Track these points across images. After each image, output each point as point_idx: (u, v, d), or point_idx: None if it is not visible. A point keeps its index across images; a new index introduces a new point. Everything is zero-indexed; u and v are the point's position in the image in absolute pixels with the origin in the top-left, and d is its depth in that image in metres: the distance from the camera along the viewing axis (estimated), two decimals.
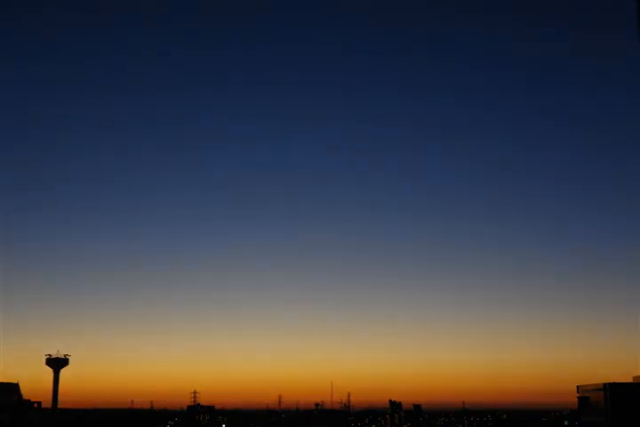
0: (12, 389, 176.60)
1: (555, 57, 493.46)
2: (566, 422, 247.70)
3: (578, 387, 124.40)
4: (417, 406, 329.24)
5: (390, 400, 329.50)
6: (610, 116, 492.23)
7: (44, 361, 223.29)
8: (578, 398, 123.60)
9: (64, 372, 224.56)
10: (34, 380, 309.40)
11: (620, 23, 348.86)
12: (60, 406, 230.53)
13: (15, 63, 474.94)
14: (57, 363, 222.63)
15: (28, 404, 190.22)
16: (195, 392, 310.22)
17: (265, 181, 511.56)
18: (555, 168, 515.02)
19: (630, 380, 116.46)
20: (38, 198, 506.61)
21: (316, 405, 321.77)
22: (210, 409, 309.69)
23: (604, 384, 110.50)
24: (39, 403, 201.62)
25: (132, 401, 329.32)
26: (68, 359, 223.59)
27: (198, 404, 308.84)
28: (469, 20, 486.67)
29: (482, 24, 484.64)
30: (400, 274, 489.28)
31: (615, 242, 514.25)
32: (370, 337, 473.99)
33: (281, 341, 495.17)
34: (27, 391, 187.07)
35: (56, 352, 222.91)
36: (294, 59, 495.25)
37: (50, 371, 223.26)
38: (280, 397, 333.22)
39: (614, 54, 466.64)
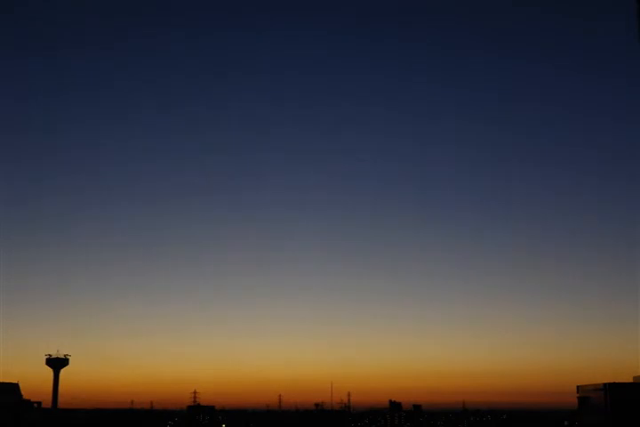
0: (11, 389, 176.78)
1: (554, 57, 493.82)
2: (566, 423, 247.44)
3: (578, 387, 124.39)
4: (417, 407, 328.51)
5: (390, 400, 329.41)
6: (610, 116, 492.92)
7: (44, 361, 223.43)
8: (578, 398, 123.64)
9: (64, 372, 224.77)
10: (34, 380, 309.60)
11: (619, 23, 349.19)
12: (59, 406, 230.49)
13: (14, 62, 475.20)
14: (57, 363, 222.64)
15: (28, 404, 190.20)
16: (195, 392, 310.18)
17: (265, 179, 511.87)
18: (554, 168, 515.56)
19: (630, 380, 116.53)
20: (38, 198, 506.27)
21: (316, 405, 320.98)
22: (210, 409, 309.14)
23: (604, 384, 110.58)
24: (39, 403, 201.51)
25: (132, 401, 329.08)
26: (68, 359, 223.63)
27: (198, 404, 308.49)
28: (469, 20, 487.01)
29: (482, 24, 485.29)
30: (400, 273, 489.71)
31: (615, 241, 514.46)
32: (370, 337, 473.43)
33: (281, 341, 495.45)
34: (27, 391, 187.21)
35: (56, 352, 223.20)
36: (294, 58, 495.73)
37: (50, 371, 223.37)
38: (280, 397, 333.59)
39: (614, 55, 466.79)
